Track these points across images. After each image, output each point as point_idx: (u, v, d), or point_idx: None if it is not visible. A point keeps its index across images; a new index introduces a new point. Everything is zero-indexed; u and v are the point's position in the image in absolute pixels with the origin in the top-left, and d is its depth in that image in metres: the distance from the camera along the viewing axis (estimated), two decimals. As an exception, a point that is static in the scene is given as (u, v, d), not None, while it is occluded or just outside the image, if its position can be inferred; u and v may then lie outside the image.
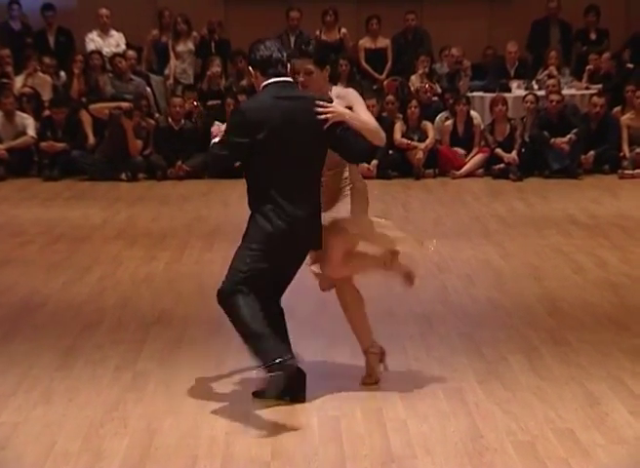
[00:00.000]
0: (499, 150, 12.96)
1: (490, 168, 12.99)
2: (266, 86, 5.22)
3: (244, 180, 5.30)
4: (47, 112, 13.54)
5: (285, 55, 5.29)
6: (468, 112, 13.23)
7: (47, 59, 14.42)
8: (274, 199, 5.16)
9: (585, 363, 5.99)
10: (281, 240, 5.18)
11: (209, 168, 5.23)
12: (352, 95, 5.48)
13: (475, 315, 7.06)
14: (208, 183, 12.44)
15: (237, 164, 5.38)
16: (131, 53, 14.58)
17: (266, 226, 5.16)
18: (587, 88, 14.29)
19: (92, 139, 13.30)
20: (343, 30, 14.85)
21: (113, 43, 14.90)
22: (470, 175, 12.98)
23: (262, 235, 5.17)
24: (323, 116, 5.18)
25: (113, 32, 14.97)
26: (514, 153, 12.90)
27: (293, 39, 14.68)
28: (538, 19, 15.47)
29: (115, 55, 14.39)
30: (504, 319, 6.97)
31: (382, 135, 5.40)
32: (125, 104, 13.27)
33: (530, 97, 13.32)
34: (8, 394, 5.56)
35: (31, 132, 13.28)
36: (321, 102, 5.20)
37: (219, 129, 5.15)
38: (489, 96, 13.77)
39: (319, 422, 5.16)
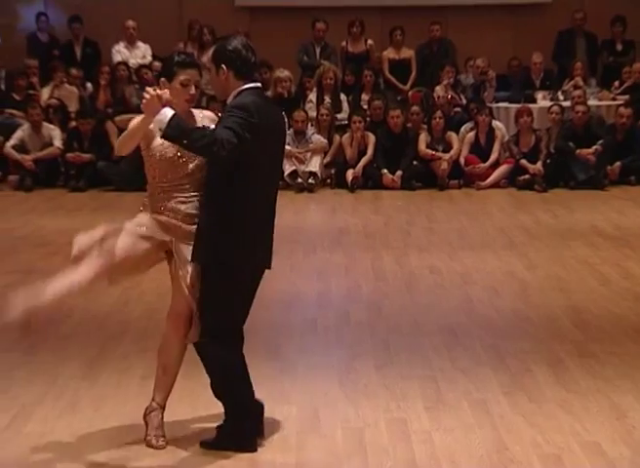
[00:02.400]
0: (524, 161, 12.91)
1: (515, 179, 12.95)
2: (247, 90, 4.88)
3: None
4: (73, 123, 13.62)
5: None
6: (490, 123, 13.21)
7: (73, 71, 14.49)
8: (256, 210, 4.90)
9: (611, 375, 5.97)
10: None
11: (214, 152, 4.63)
12: None
13: (500, 326, 7.04)
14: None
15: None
16: (157, 64, 14.63)
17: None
18: (614, 99, 14.23)
19: (118, 150, 13.34)
20: (370, 42, 14.83)
21: (139, 54, 14.97)
22: (495, 186, 12.95)
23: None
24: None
25: (140, 44, 15.04)
26: (539, 164, 12.85)
27: (318, 50, 14.70)
28: (563, 29, 15.42)
29: (141, 66, 14.45)
30: (529, 330, 6.94)
31: None
32: (151, 116, 13.29)
33: (555, 107, 13.27)
34: (34, 404, 5.58)
35: (58, 143, 13.36)
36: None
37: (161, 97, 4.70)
38: (514, 106, 13.73)
39: (343, 434, 5.15)
